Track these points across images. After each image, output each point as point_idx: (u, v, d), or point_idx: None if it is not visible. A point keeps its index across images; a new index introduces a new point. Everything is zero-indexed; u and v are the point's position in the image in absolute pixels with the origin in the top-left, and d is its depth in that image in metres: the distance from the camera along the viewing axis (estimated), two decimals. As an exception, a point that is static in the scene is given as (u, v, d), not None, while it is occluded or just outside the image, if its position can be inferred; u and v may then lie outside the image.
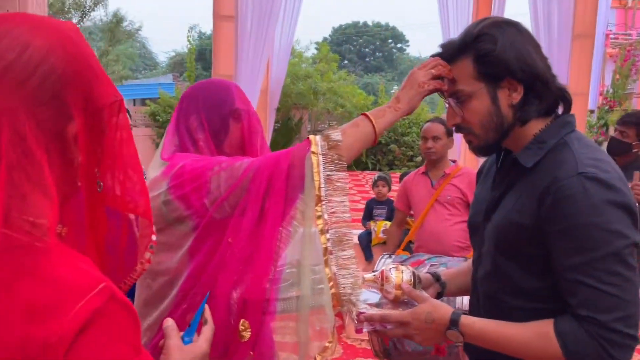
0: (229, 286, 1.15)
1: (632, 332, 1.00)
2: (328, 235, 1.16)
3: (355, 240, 4.70)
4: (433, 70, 1.22)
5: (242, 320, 1.15)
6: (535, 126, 1.15)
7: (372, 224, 4.67)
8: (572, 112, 1.20)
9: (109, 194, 0.73)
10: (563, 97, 1.17)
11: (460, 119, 1.18)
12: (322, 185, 1.16)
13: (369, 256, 4.55)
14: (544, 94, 1.14)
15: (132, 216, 0.80)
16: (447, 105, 1.21)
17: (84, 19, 20.09)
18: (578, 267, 1.02)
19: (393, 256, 3.07)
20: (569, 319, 1.03)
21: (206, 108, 1.34)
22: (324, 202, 1.16)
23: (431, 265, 2.38)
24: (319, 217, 1.16)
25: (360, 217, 5.18)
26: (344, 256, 1.16)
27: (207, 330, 0.91)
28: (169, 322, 0.87)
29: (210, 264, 1.18)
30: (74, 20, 19.55)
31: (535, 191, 1.08)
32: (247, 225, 1.16)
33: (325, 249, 1.15)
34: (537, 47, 1.16)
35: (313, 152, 1.17)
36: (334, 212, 1.16)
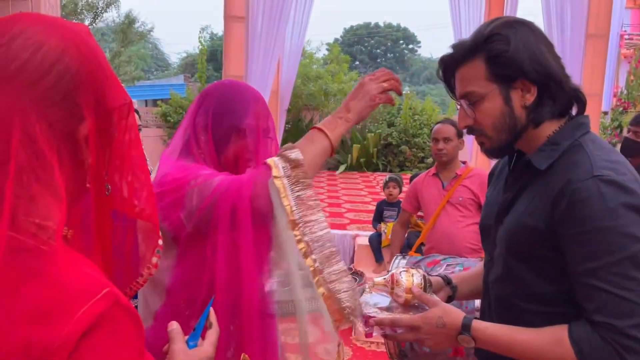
0: (224, 302, 1.13)
1: None
2: (314, 256, 1.12)
3: (366, 241, 4.70)
4: (385, 84, 1.22)
5: (242, 355, 1.13)
6: (549, 128, 1.13)
7: (382, 226, 4.66)
8: (585, 113, 1.18)
9: (117, 197, 0.72)
10: (577, 97, 1.15)
11: (472, 121, 1.16)
12: (295, 209, 1.11)
13: (379, 258, 4.54)
14: (558, 94, 1.12)
15: (140, 221, 0.79)
16: (458, 107, 1.19)
17: (97, 20, 20.26)
18: (593, 272, 1.00)
19: (407, 257, 3.05)
20: (584, 325, 1.01)
21: (216, 112, 1.31)
22: (300, 225, 1.12)
23: (447, 265, 2.36)
24: (299, 240, 1.12)
25: (371, 219, 5.17)
26: (335, 271, 1.12)
27: (212, 334, 0.90)
28: (174, 326, 0.86)
29: (204, 277, 1.16)
30: (87, 22, 19.72)
31: (549, 194, 1.06)
32: (222, 250, 1.14)
33: (314, 270, 1.11)
34: (550, 46, 1.14)
35: (275, 177, 1.12)
36: (313, 232, 1.12)
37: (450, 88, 1.22)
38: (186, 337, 0.87)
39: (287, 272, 1.15)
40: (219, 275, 1.14)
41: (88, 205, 0.69)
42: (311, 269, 1.11)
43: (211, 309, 0.94)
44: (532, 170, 1.13)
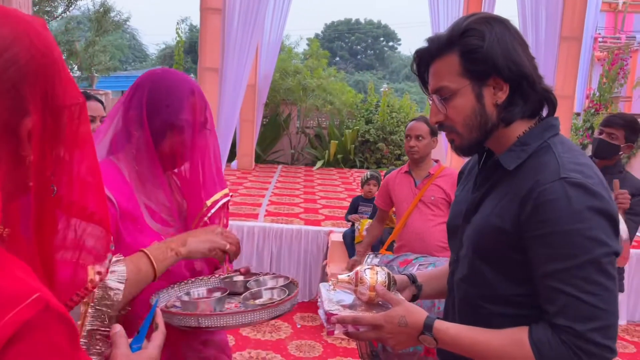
0: None
1: (610, 343, 0.98)
2: None
3: (340, 238, 4.69)
4: (229, 246, 1.26)
5: None
6: (519, 128, 1.13)
7: (357, 222, 4.65)
8: (557, 114, 1.18)
9: (64, 199, 0.69)
10: (548, 99, 1.14)
11: (443, 117, 1.15)
12: (83, 340, 1.00)
13: (352, 254, 4.53)
14: (530, 94, 1.11)
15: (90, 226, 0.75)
16: (430, 101, 1.18)
17: (70, 8, 19.78)
18: (557, 274, 1.00)
19: (379, 256, 3.05)
20: (545, 327, 1.01)
21: (149, 105, 1.26)
22: None
23: (420, 265, 2.36)
24: None
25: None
26: None
27: (158, 336, 0.87)
28: (117, 329, 0.83)
29: None
30: (60, 9, 19.23)
31: (516, 195, 1.06)
32: None
33: None
34: (524, 45, 1.13)
35: (84, 302, 1.01)
36: None
37: (424, 82, 1.20)
38: (130, 340, 0.84)
39: None
40: None
41: (30, 205, 0.65)
42: None
43: (157, 310, 0.91)
44: (501, 170, 1.13)
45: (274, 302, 1.19)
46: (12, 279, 0.57)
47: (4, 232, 0.63)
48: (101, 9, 20.97)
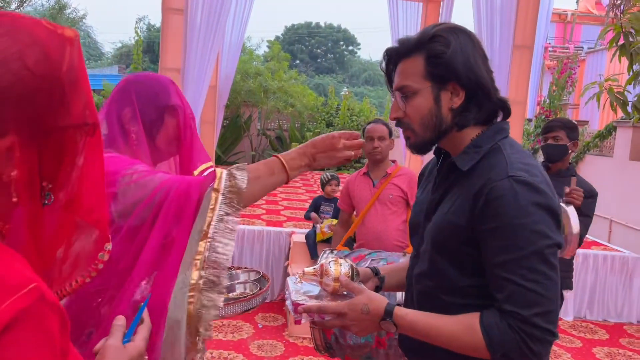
0: (132, 290, 1.13)
1: (551, 327, 1.06)
2: (203, 273, 1.12)
3: (302, 239, 4.75)
4: (352, 153, 1.35)
5: None
6: (472, 132, 1.21)
7: (317, 219, 4.72)
8: (510, 119, 1.27)
9: (64, 205, 0.71)
10: (503, 108, 1.23)
11: (402, 114, 1.22)
12: (213, 223, 1.14)
13: (314, 255, 4.59)
14: (484, 104, 1.19)
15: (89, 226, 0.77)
16: (392, 98, 1.25)
17: (24, 4, 19.12)
18: (504, 265, 1.08)
19: (335, 251, 3.12)
20: (494, 313, 1.09)
21: (140, 100, 1.34)
22: (209, 240, 1.13)
23: (372, 260, 2.44)
24: (200, 252, 1.13)
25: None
26: (211, 299, 1.12)
27: (144, 329, 0.92)
28: (120, 321, 0.87)
29: (120, 266, 1.15)
30: (13, 5, 18.55)
31: (469, 193, 1.14)
32: (153, 244, 1.14)
33: (195, 285, 1.12)
34: (484, 58, 1.21)
35: (215, 189, 1.16)
36: (216, 253, 1.14)
37: (390, 80, 1.28)
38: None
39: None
40: (140, 266, 1.14)
41: (22, 217, 0.66)
42: (192, 282, 1.11)
43: (145, 309, 0.96)
44: (457, 171, 1.20)
45: (246, 296, 1.24)
46: (11, 270, 0.60)
47: (4, 228, 0.65)
48: (56, 6, 20.33)
